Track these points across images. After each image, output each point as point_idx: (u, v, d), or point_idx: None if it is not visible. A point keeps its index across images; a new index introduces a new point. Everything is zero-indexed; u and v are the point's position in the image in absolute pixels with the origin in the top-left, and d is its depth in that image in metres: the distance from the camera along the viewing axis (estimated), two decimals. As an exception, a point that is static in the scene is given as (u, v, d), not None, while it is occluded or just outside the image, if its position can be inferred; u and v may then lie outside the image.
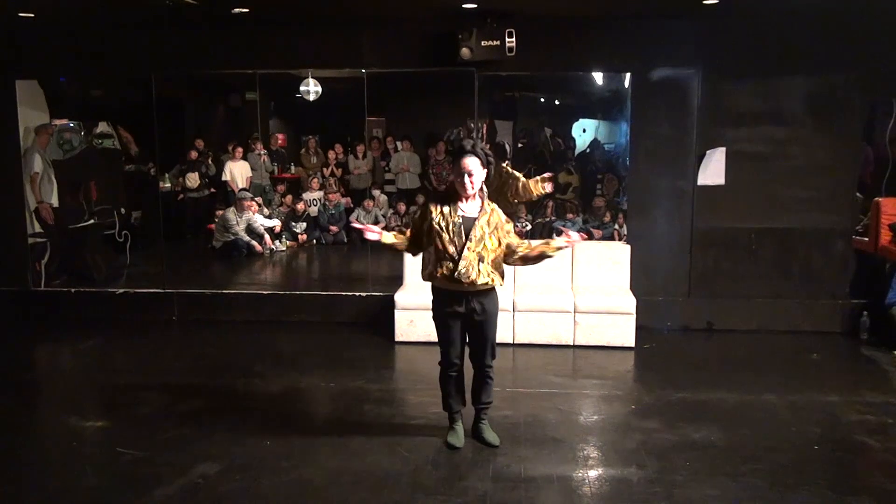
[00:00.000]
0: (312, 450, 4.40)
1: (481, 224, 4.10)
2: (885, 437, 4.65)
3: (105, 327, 7.20)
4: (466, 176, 4.04)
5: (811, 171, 6.96)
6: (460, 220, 4.10)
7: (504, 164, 7.82)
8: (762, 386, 5.55)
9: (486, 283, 4.15)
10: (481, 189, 4.18)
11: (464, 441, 4.46)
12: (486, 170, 4.10)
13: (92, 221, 8.41)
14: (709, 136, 7.03)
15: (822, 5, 6.48)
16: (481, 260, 4.10)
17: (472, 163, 4.05)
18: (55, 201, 8.09)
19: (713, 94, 7.00)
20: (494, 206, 4.23)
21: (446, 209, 4.12)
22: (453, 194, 4.17)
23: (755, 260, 7.14)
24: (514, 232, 4.31)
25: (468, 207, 4.15)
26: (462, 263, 4.06)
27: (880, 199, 7.05)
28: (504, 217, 4.24)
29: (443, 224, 4.11)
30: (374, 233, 4.25)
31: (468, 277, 4.08)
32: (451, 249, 4.08)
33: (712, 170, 7.05)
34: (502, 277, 4.25)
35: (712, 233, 7.16)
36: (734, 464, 4.22)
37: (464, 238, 4.07)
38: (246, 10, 6.69)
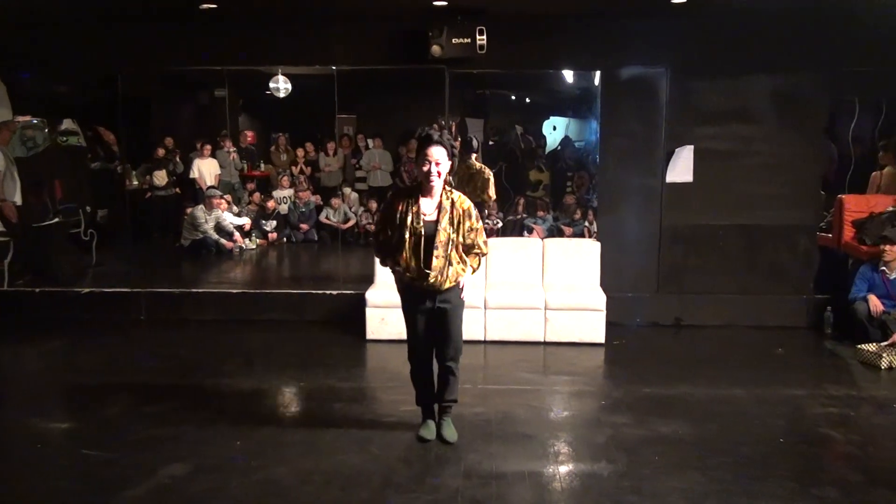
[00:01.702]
0: (283, 449, 4.37)
1: (443, 226, 4.05)
2: (847, 430, 4.74)
3: (70, 328, 7.07)
4: (433, 165, 3.98)
5: (777, 168, 7.07)
6: (422, 226, 4.05)
7: (473, 158, 7.86)
8: (729, 380, 5.63)
9: (454, 283, 4.18)
10: (446, 181, 4.13)
11: (436, 434, 4.47)
12: (451, 161, 4.05)
13: (56, 220, 8.25)
14: (677, 134, 7.11)
15: (787, 6, 6.59)
16: (450, 263, 4.10)
17: (437, 152, 3.98)
18: (18, 199, 7.93)
19: (681, 92, 7.08)
20: (456, 195, 4.13)
21: (413, 209, 4.06)
22: (417, 191, 4.11)
23: (722, 256, 7.24)
24: (480, 230, 4.19)
25: (430, 205, 4.09)
26: (432, 274, 4.06)
27: (843, 196, 7.19)
28: (472, 209, 4.15)
29: (408, 229, 4.05)
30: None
31: (438, 286, 4.11)
32: (418, 257, 4.07)
33: (680, 167, 7.13)
34: (466, 263, 4.23)
35: (680, 229, 7.24)
36: (702, 457, 4.27)
37: (430, 245, 4.04)
38: (214, 5, 6.62)
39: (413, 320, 4.29)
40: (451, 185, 4.23)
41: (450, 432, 4.45)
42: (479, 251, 4.24)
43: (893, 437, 4.73)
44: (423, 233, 4.05)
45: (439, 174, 4.02)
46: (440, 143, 4.00)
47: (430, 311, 4.23)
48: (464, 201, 4.14)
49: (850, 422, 4.88)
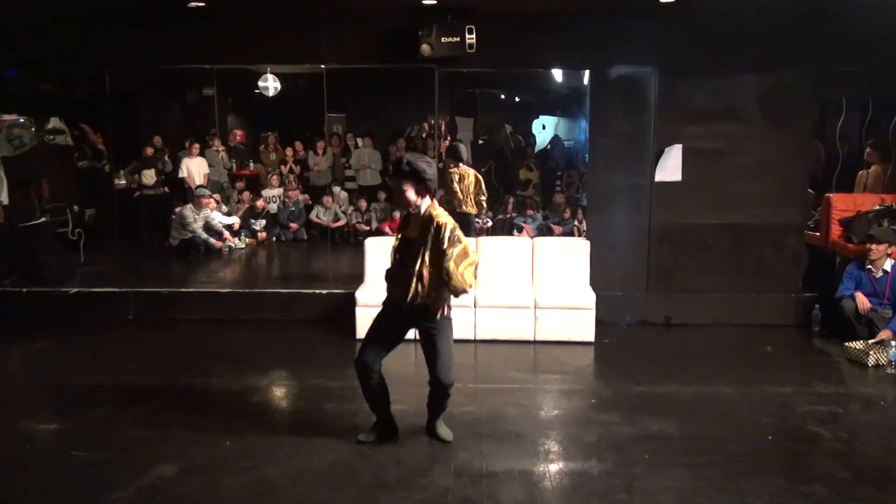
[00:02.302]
0: (273, 449, 4.36)
1: (418, 245, 4.09)
2: (835, 427, 4.78)
3: (58, 328, 7.02)
4: (402, 193, 4.10)
5: (764, 167, 7.11)
6: (404, 238, 4.20)
7: (461, 166, 7.86)
8: (718, 378, 5.66)
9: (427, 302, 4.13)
10: (431, 199, 4.15)
11: (429, 435, 4.47)
12: (418, 184, 4.04)
13: (44, 219, 8.19)
14: (666, 133, 7.14)
15: (774, 6, 6.63)
16: (420, 280, 4.06)
17: (406, 182, 4.07)
18: (5, 199, 7.89)
19: (670, 91, 7.10)
20: (436, 212, 4.09)
21: (405, 225, 4.27)
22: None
23: (711, 255, 7.27)
24: (457, 253, 4.03)
25: (412, 224, 4.20)
26: (409, 291, 4.07)
27: (831, 195, 7.23)
28: (447, 228, 4.03)
29: (397, 239, 4.27)
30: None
31: (410, 299, 4.09)
32: (399, 273, 4.15)
33: (669, 166, 7.15)
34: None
35: (669, 228, 7.27)
36: (691, 455, 4.30)
37: (408, 263, 4.10)
38: (202, 3, 6.60)
39: (378, 322, 4.28)
40: (436, 200, 4.22)
41: (445, 432, 4.47)
42: (450, 279, 4.03)
43: (880, 434, 4.78)
44: (404, 246, 4.19)
45: (408, 200, 4.10)
46: (405, 172, 4.05)
47: (405, 329, 4.29)
48: (440, 216, 4.07)
49: (838, 419, 4.92)
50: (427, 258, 4.07)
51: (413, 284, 4.07)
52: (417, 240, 4.10)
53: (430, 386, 4.31)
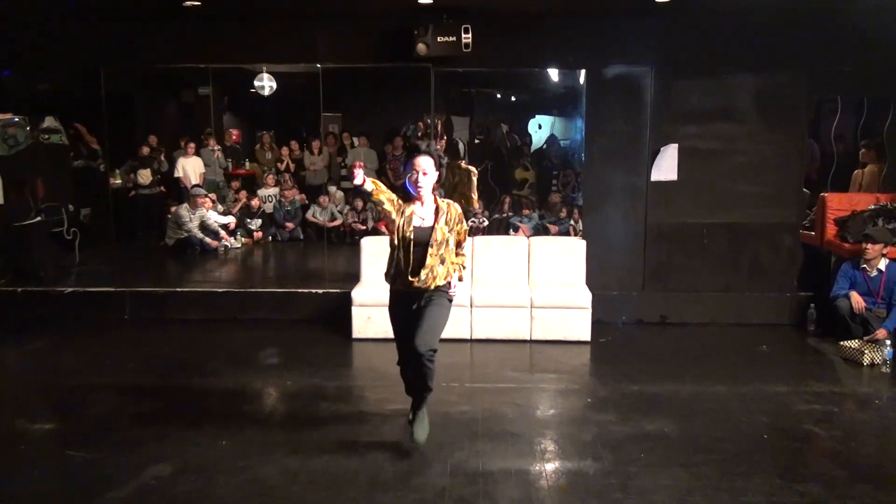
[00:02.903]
0: (269, 449, 4.35)
1: (440, 227, 4.10)
2: (830, 426, 4.79)
3: (53, 328, 7.01)
4: (419, 174, 4.06)
5: (760, 167, 7.13)
6: (416, 227, 4.09)
7: (459, 162, 7.86)
8: (714, 378, 5.67)
9: (444, 281, 4.18)
10: (434, 190, 4.18)
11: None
12: (438, 171, 4.11)
13: (39, 219, 8.16)
14: (661, 133, 7.15)
15: (769, 6, 6.64)
16: (442, 262, 4.12)
17: (424, 162, 4.07)
18: (0, 198, 7.85)
19: (666, 91, 7.11)
20: (450, 202, 4.23)
21: (407, 212, 4.11)
22: (410, 198, 4.16)
23: (707, 254, 7.28)
24: (465, 233, 4.26)
25: (423, 211, 4.14)
26: (423, 272, 4.07)
27: (826, 194, 7.25)
28: (461, 214, 4.25)
29: (404, 231, 4.08)
30: (359, 176, 4.05)
31: (426, 284, 4.10)
32: (413, 258, 4.09)
33: (665, 166, 7.17)
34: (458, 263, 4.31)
35: (665, 228, 7.28)
36: (687, 454, 4.30)
37: (424, 245, 4.07)
38: (198, 2, 6.59)
39: (398, 322, 4.29)
40: (440, 193, 4.26)
41: (420, 429, 4.27)
42: (462, 254, 4.33)
43: (875, 432, 4.80)
44: (412, 238, 4.08)
45: (428, 184, 4.09)
46: (427, 153, 4.09)
47: (417, 310, 4.22)
48: (455, 206, 4.22)
49: (833, 418, 4.93)
50: (450, 242, 4.13)
51: (434, 265, 4.07)
52: (437, 222, 4.09)
53: (411, 350, 4.18)
